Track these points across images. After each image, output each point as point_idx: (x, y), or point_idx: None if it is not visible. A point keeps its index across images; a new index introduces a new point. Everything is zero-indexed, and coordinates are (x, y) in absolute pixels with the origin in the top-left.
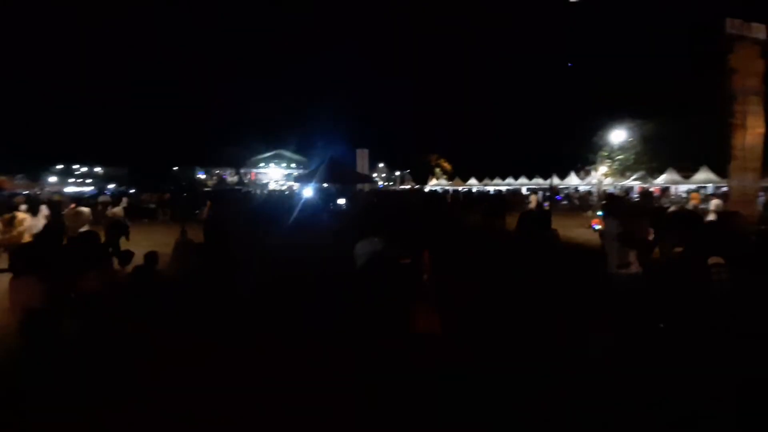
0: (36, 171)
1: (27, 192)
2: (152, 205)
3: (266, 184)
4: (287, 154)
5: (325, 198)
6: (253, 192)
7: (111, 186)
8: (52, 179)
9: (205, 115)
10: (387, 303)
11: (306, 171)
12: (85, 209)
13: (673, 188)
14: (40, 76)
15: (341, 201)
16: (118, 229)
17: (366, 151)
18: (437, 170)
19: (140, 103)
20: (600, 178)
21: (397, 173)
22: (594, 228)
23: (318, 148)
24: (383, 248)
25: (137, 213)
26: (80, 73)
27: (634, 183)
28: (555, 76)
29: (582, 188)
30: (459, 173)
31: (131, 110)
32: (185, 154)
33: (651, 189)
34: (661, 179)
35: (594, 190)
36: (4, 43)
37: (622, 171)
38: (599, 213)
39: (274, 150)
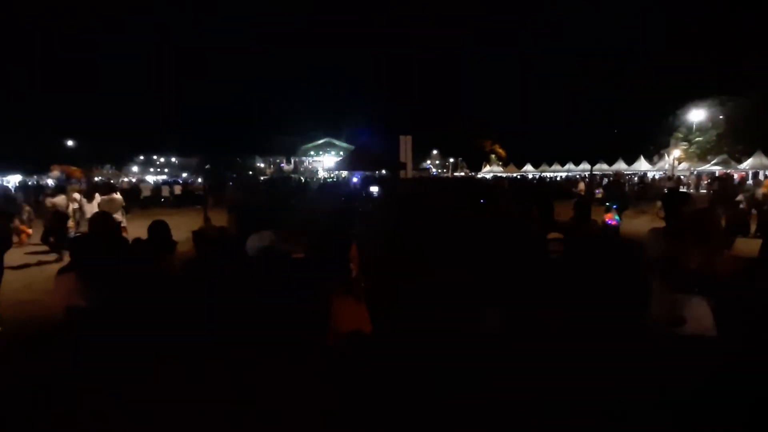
0: (122, 161)
1: (97, 178)
2: (201, 193)
3: (317, 172)
4: (336, 142)
5: (360, 185)
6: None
7: (184, 174)
8: (135, 169)
9: (263, 105)
10: (284, 302)
11: (340, 158)
12: (118, 197)
13: (762, 174)
14: (126, 78)
15: (374, 189)
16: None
17: (409, 138)
18: (492, 156)
19: (206, 96)
20: (672, 162)
21: (451, 160)
22: (609, 224)
23: (365, 136)
24: (273, 242)
25: (189, 199)
26: (157, 74)
27: (714, 168)
28: (622, 48)
29: (651, 174)
30: (514, 159)
31: (199, 105)
32: (245, 144)
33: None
34: (747, 164)
35: (665, 175)
36: (94, 47)
37: (701, 155)
38: (615, 206)
39: (324, 138)
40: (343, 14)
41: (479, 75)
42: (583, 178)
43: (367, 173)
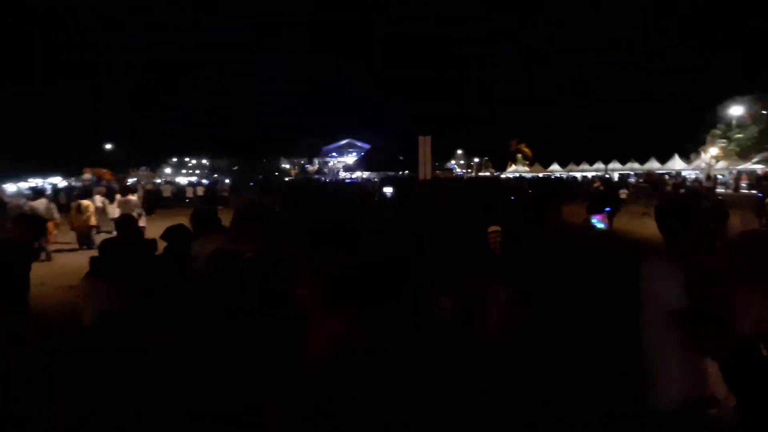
0: (156, 163)
1: (131, 180)
2: (225, 194)
3: (338, 173)
4: (358, 143)
5: (378, 186)
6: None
7: (215, 175)
8: (168, 170)
9: (287, 107)
10: (241, 306)
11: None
12: (134, 198)
13: None
14: (159, 83)
15: (387, 189)
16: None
17: (428, 138)
18: (518, 156)
19: (233, 100)
20: (709, 161)
21: (476, 160)
22: (593, 223)
23: (387, 136)
24: (223, 244)
25: (212, 200)
26: (187, 81)
27: (755, 167)
28: (655, 41)
29: (686, 173)
30: (541, 159)
31: (227, 107)
32: (271, 146)
33: None
34: None
35: (701, 175)
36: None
37: (740, 152)
38: (606, 209)
39: (345, 139)
40: (368, 14)
41: (505, 73)
42: (600, 178)
43: (389, 174)
